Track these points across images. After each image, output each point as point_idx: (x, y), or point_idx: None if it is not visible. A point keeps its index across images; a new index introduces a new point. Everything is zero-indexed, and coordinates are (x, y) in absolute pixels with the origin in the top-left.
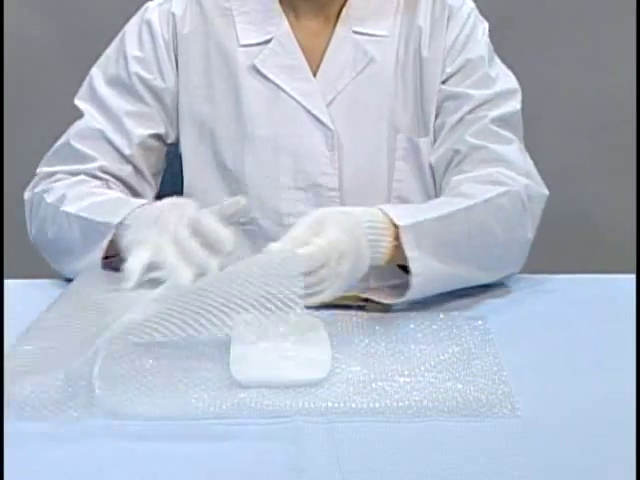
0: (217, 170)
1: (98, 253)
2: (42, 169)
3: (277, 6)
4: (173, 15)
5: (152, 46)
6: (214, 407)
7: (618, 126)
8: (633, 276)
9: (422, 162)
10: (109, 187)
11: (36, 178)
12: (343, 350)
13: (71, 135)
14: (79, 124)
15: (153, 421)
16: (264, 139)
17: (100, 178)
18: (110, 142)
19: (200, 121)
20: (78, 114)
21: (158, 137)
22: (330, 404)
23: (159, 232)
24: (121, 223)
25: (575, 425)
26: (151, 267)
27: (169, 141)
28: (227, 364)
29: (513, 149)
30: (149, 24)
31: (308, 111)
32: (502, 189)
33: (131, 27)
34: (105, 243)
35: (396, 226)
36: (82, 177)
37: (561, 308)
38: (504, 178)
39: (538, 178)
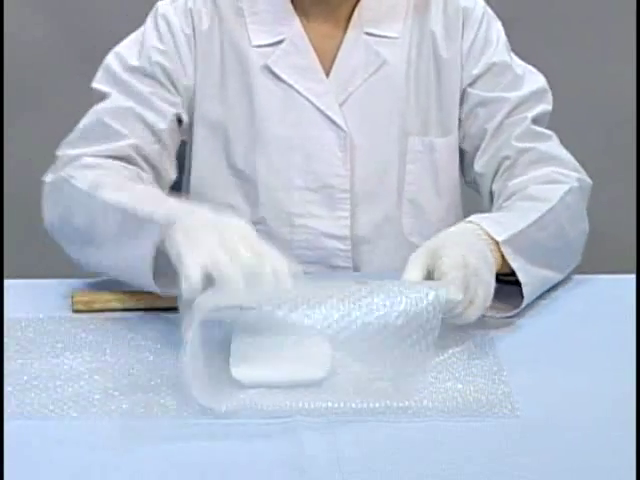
0: (228, 169)
1: (147, 250)
2: (65, 152)
3: (289, 7)
4: (190, 10)
5: (172, 40)
6: (215, 404)
7: (617, 126)
8: (633, 276)
9: (437, 163)
10: (139, 176)
11: (58, 162)
12: (343, 350)
13: (101, 113)
14: (106, 104)
15: (152, 421)
16: (276, 139)
17: (129, 160)
18: (142, 119)
19: (213, 120)
20: (97, 97)
21: (181, 122)
22: (330, 404)
23: (218, 242)
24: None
25: (575, 425)
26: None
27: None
28: (227, 364)
29: (555, 144)
30: (166, 19)
31: (321, 112)
32: (565, 187)
33: (148, 25)
34: (153, 241)
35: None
36: (111, 162)
37: (561, 308)
38: (560, 176)
39: (581, 168)
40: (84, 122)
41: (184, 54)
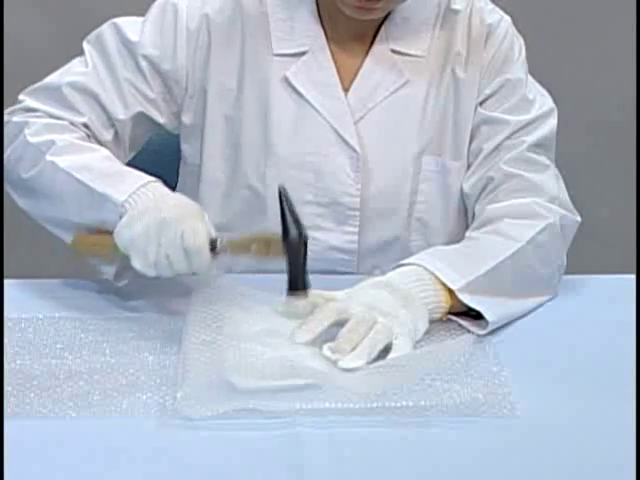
0: (236, 177)
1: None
2: (27, 101)
3: (315, 17)
4: (207, 16)
5: (173, 31)
6: (214, 410)
7: (618, 126)
8: (633, 276)
9: (450, 185)
10: (90, 141)
11: (18, 106)
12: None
13: (65, 81)
14: (78, 72)
15: (152, 422)
16: (289, 154)
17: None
18: (102, 105)
19: (229, 126)
20: (80, 54)
21: (151, 120)
22: (329, 404)
23: (156, 246)
24: (122, 205)
25: (574, 425)
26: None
27: (171, 127)
28: (226, 369)
29: (548, 176)
30: (175, 7)
31: (335, 130)
32: (541, 225)
33: (154, 9)
34: (111, 221)
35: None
36: (65, 123)
37: (561, 308)
38: (540, 210)
39: (570, 205)
40: (53, 79)
41: (180, 47)
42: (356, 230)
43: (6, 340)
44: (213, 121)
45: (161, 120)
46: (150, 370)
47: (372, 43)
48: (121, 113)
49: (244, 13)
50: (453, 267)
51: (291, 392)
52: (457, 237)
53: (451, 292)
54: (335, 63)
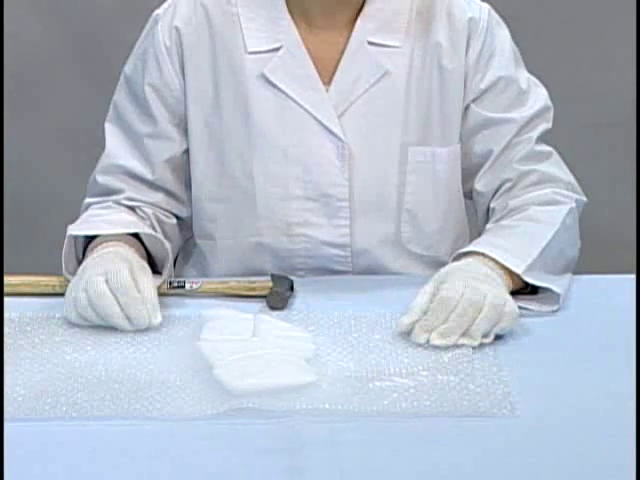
0: (225, 180)
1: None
2: (85, 200)
3: (286, 14)
4: (176, 28)
5: (154, 53)
6: (213, 408)
7: (618, 126)
8: (633, 276)
9: (437, 173)
10: (137, 213)
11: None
12: (340, 350)
13: (97, 171)
14: (103, 159)
15: (152, 422)
16: (274, 149)
17: (129, 206)
18: (133, 174)
19: (210, 130)
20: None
21: (179, 156)
22: (328, 405)
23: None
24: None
25: (574, 425)
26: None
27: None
28: (224, 372)
29: (554, 162)
30: (153, 31)
31: (319, 121)
32: (565, 209)
33: (142, 40)
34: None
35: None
36: (110, 204)
37: (561, 308)
38: (559, 197)
39: (578, 187)
40: (92, 175)
41: (167, 70)
42: (347, 223)
43: (6, 340)
44: (195, 128)
45: (183, 146)
46: (150, 370)
47: (349, 36)
48: (149, 173)
49: (211, 17)
50: (510, 252)
51: (291, 392)
52: (449, 224)
53: (511, 275)
54: (313, 58)
